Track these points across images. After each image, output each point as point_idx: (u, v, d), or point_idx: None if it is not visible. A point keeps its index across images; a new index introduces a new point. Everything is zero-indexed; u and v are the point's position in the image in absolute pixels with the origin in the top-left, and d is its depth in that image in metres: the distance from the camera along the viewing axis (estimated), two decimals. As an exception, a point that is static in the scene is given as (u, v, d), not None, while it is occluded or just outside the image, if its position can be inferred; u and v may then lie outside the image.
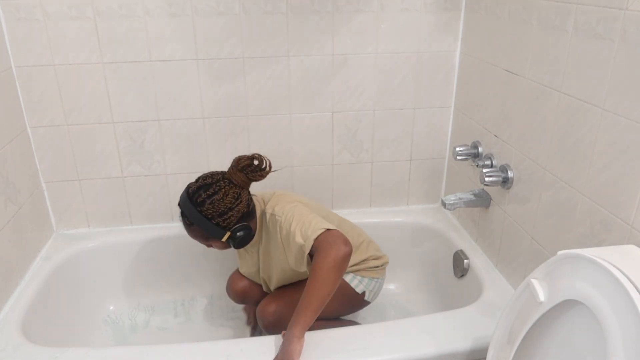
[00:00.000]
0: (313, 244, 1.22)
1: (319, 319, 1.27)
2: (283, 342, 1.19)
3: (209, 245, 1.42)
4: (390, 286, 1.98)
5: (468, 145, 1.69)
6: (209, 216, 1.32)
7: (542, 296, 0.96)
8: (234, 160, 1.40)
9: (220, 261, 1.83)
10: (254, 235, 1.40)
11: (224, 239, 1.36)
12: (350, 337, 1.30)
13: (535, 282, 0.98)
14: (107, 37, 1.59)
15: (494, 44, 1.53)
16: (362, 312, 1.88)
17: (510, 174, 1.47)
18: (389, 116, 1.84)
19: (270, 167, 1.41)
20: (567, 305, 0.93)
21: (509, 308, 1.07)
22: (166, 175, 1.80)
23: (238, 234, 1.35)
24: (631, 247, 0.97)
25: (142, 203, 1.83)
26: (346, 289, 1.53)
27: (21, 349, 1.27)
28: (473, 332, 1.29)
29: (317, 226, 1.24)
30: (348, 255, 1.19)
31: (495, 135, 1.56)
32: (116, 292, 1.83)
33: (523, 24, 1.36)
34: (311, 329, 1.22)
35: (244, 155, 1.39)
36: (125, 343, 1.70)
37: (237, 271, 1.65)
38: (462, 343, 1.27)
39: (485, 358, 1.14)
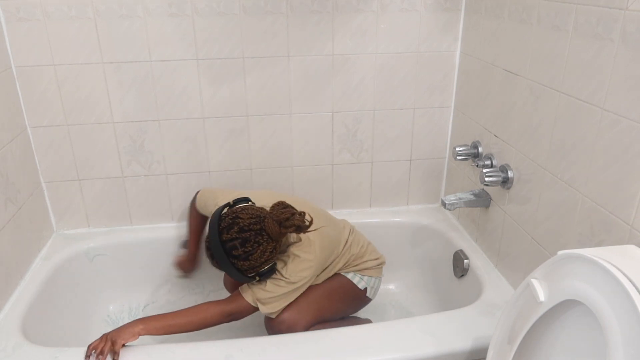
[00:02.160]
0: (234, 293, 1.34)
1: (330, 320, 1.28)
2: (123, 325, 1.26)
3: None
4: (390, 286, 1.98)
5: (468, 145, 1.69)
6: (241, 269, 1.27)
7: (542, 296, 0.96)
8: (278, 209, 1.29)
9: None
10: (275, 268, 1.35)
11: (252, 284, 1.34)
12: (350, 337, 1.30)
13: (535, 282, 0.98)
14: (107, 37, 1.59)
15: (494, 44, 1.53)
16: (362, 312, 1.88)
17: (510, 174, 1.47)
18: (389, 116, 1.84)
19: (308, 226, 1.30)
20: (567, 305, 0.93)
21: (509, 308, 1.07)
22: (166, 175, 1.80)
23: (263, 274, 1.31)
24: (631, 247, 0.96)
25: (142, 203, 1.83)
26: (349, 287, 1.54)
27: (21, 349, 1.27)
28: (473, 332, 1.29)
29: (259, 297, 1.33)
30: (218, 319, 1.33)
31: (495, 135, 1.56)
32: (116, 292, 1.82)
33: (523, 24, 1.36)
34: (324, 328, 1.32)
35: (292, 212, 1.28)
36: (125, 343, 1.70)
37: None
38: (462, 343, 1.27)
39: (485, 358, 1.14)
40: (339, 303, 1.54)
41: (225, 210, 1.31)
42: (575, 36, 1.15)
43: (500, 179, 1.49)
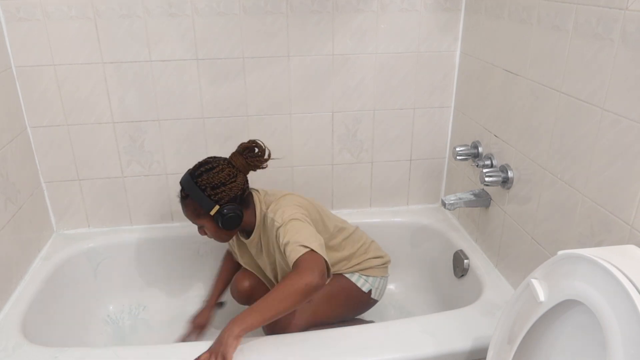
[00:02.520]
0: (295, 261, 1.22)
1: (329, 324, 1.34)
2: (221, 336, 1.16)
3: (201, 230, 1.43)
4: (390, 286, 1.98)
5: (468, 145, 1.69)
6: (202, 187, 1.35)
7: (542, 296, 0.96)
8: (238, 147, 1.45)
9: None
10: (240, 221, 1.38)
11: (212, 212, 1.36)
12: (350, 337, 1.30)
13: (535, 282, 0.98)
14: (107, 37, 1.59)
15: (494, 44, 1.53)
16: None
17: (510, 174, 1.47)
18: (389, 116, 1.84)
19: (269, 156, 1.46)
20: (567, 305, 0.93)
21: (509, 308, 1.07)
22: (166, 175, 1.80)
23: (226, 211, 1.36)
24: (631, 247, 0.96)
25: (142, 203, 1.83)
26: (353, 289, 1.54)
27: (21, 349, 1.27)
28: (473, 332, 1.29)
29: (303, 244, 1.24)
30: (319, 288, 1.19)
31: (495, 135, 1.56)
32: (116, 292, 1.82)
33: (523, 24, 1.36)
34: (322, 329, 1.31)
35: (248, 143, 1.45)
36: (125, 343, 1.70)
37: (243, 271, 1.63)
38: (462, 343, 1.27)
39: (485, 358, 1.14)
40: (339, 307, 1.53)
41: None
42: (575, 36, 1.15)
43: (500, 179, 1.49)
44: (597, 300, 0.83)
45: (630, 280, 0.80)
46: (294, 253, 1.23)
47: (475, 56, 1.66)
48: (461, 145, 1.68)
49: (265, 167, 1.45)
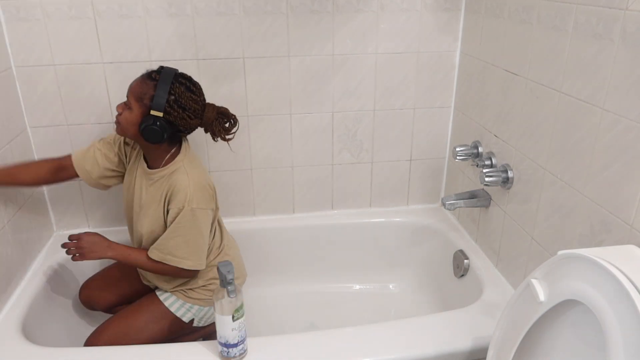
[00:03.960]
0: (159, 259, 1.38)
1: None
2: (97, 241, 1.39)
3: (123, 108, 1.34)
4: (390, 286, 1.98)
5: (468, 145, 1.69)
6: (173, 91, 1.30)
7: (542, 296, 0.96)
8: (220, 107, 1.41)
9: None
10: (155, 143, 1.33)
11: (153, 112, 1.29)
12: (350, 337, 1.30)
13: (535, 282, 0.98)
14: (107, 37, 1.59)
15: (494, 44, 1.53)
16: (362, 312, 1.88)
17: (510, 174, 1.47)
18: (389, 116, 1.84)
19: (231, 138, 1.44)
20: (567, 305, 0.93)
21: (509, 308, 1.07)
22: (166, 175, 1.80)
23: (159, 123, 1.30)
24: (631, 247, 0.96)
25: (142, 203, 1.83)
26: (170, 320, 1.46)
27: (21, 349, 1.27)
28: (473, 332, 1.29)
29: (187, 258, 1.38)
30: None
31: (495, 135, 1.56)
32: (116, 292, 1.82)
33: (523, 24, 1.36)
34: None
35: (228, 109, 1.43)
36: (125, 343, 1.70)
37: (91, 278, 1.62)
38: (462, 343, 1.27)
39: (485, 358, 1.14)
40: (151, 335, 1.44)
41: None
42: (575, 36, 1.15)
43: (500, 179, 1.49)
44: (597, 300, 0.83)
45: (630, 280, 0.80)
46: (163, 251, 1.37)
47: (475, 56, 1.66)
48: (461, 145, 1.68)
49: (215, 140, 1.42)
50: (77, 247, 1.37)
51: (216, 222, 1.50)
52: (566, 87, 1.20)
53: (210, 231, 1.44)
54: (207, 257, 1.44)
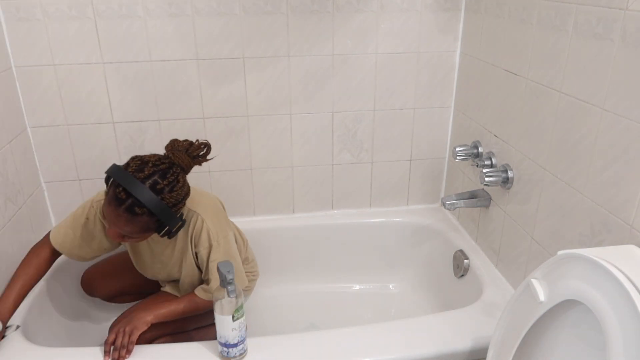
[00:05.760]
0: (209, 299, 1.34)
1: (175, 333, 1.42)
2: (132, 317, 1.28)
3: (124, 238, 1.25)
4: (390, 286, 1.98)
5: (468, 145, 1.69)
6: (170, 205, 1.20)
7: (542, 296, 0.96)
8: (179, 143, 1.29)
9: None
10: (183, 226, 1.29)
11: (175, 228, 1.25)
12: (350, 337, 1.30)
13: (535, 282, 0.98)
14: (107, 37, 1.59)
15: (494, 44, 1.53)
16: (362, 312, 1.88)
17: (510, 174, 1.47)
18: (389, 116, 1.84)
19: (209, 159, 1.34)
20: (567, 305, 0.93)
21: (509, 308, 1.07)
22: (166, 175, 1.80)
23: (179, 223, 1.25)
24: (631, 247, 0.96)
25: (142, 203, 1.83)
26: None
27: (21, 349, 1.27)
28: (473, 332, 1.29)
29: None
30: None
31: (495, 135, 1.56)
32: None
33: (523, 24, 1.36)
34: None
35: (193, 142, 1.31)
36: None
37: (94, 265, 1.62)
38: (462, 343, 1.27)
39: (485, 358, 1.14)
40: (190, 320, 1.46)
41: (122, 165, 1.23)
42: (575, 36, 1.15)
43: (500, 179, 1.49)
44: (597, 300, 0.83)
45: (630, 280, 0.80)
46: (212, 291, 1.31)
47: (475, 56, 1.66)
48: (461, 145, 1.68)
49: (201, 165, 1.34)
50: (121, 345, 1.21)
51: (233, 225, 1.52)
52: (566, 87, 1.20)
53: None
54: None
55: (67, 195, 1.77)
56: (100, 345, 1.26)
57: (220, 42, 1.64)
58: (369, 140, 1.87)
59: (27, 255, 1.41)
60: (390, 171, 1.94)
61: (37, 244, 1.43)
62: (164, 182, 1.19)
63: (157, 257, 1.43)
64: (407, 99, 1.83)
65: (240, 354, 1.20)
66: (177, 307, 1.36)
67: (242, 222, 1.73)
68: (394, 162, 1.92)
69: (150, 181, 1.18)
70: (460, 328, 1.32)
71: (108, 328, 1.75)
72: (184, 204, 1.27)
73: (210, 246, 1.33)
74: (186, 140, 1.31)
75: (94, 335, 1.69)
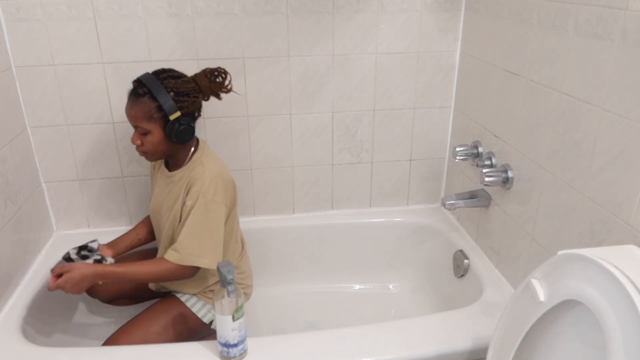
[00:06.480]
0: (176, 258, 1.31)
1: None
2: (74, 268, 1.27)
3: (140, 138, 1.33)
4: (390, 286, 1.98)
5: (468, 145, 1.69)
6: (168, 89, 1.30)
7: (542, 296, 0.96)
8: (204, 69, 1.40)
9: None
10: (192, 137, 1.35)
11: (172, 116, 1.29)
12: (350, 337, 1.30)
13: (535, 282, 0.98)
14: (107, 37, 1.59)
15: (494, 44, 1.53)
16: (362, 312, 1.88)
17: (510, 174, 1.47)
18: (389, 116, 1.84)
19: (231, 88, 1.43)
20: (567, 305, 0.93)
21: (509, 308, 1.07)
22: (166, 175, 1.80)
23: (183, 121, 1.30)
24: (631, 247, 0.96)
25: (142, 203, 1.83)
26: (191, 321, 1.45)
27: (21, 349, 1.27)
28: (473, 332, 1.29)
29: (194, 253, 1.32)
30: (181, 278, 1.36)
31: (495, 135, 1.56)
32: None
33: (523, 24, 1.36)
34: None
35: (213, 68, 1.41)
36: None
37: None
38: (462, 343, 1.27)
39: (485, 358, 1.14)
40: (171, 336, 1.42)
41: None
42: (575, 36, 1.15)
43: (500, 179, 1.49)
44: (597, 300, 0.83)
45: (630, 280, 0.80)
46: (181, 251, 1.31)
47: (475, 56, 1.66)
48: (461, 145, 1.68)
49: (221, 99, 1.43)
50: (59, 286, 1.27)
51: (236, 225, 1.52)
52: (566, 87, 1.20)
53: (225, 226, 1.42)
54: (229, 260, 1.46)
55: (67, 195, 1.77)
56: (100, 345, 1.26)
57: (220, 42, 1.64)
58: (369, 140, 1.87)
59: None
60: (390, 171, 1.94)
61: None
62: (170, 74, 1.33)
63: (163, 199, 1.43)
64: (407, 99, 1.83)
65: (240, 354, 1.20)
66: (129, 273, 1.32)
67: (242, 222, 1.73)
68: (394, 162, 1.92)
69: (159, 73, 1.32)
70: (460, 328, 1.32)
71: (108, 329, 1.76)
72: (187, 101, 1.32)
73: (197, 199, 1.32)
74: (218, 68, 1.41)
75: (93, 335, 1.69)
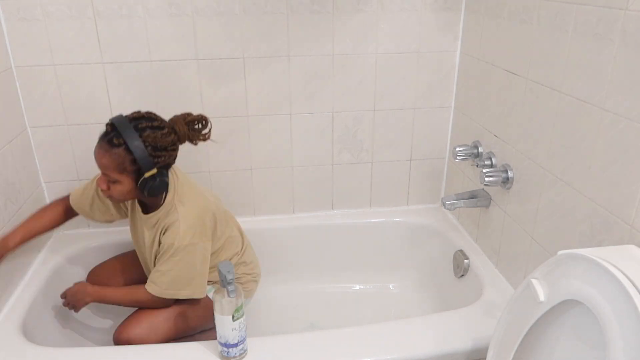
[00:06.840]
0: (157, 294, 1.37)
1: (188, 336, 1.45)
2: (79, 292, 1.42)
3: (108, 185, 1.28)
4: (390, 286, 1.98)
5: (468, 145, 1.69)
6: (147, 143, 1.23)
7: (542, 296, 0.96)
8: (181, 114, 1.35)
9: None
10: (165, 189, 1.31)
11: (148, 174, 1.24)
12: (350, 337, 1.30)
13: (535, 282, 0.98)
14: (107, 37, 1.59)
15: (494, 44, 1.53)
16: (362, 312, 1.88)
17: (510, 174, 1.47)
18: (389, 116, 1.84)
19: (209, 137, 1.39)
20: (567, 305, 0.93)
21: (509, 308, 1.07)
22: (166, 175, 1.80)
23: (158, 176, 1.26)
24: (631, 247, 0.97)
25: (142, 203, 1.83)
26: (207, 307, 1.45)
27: (21, 349, 1.27)
28: (473, 332, 1.29)
29: (170, 289, 1.37)
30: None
31: (495, 135, 1.56)
32: (116, 292, 1.82)
33: (523, 24, 1.36)
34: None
35: (192, 114, 1.36)
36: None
37: (99, 265, 1.65)
38: (462, 343, 1.27)
39: (485, 358, 1.14)
40: (196, 322, 1.46)
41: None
42: (575, 36, 1.15)
43: (500, 179, 1.49)
44: (597, 300, 0.83)
45: (630, 280, 0.80)
46: (160, 285, 1.36)
47: (475, 56, 1.66)
48: (461, 145, 1.68)
49: (196, 144, 1.37)
50: (67, 303, 1.45)
51: (231, 232, 1.52)
52: (566, 87, 1.20)
53: (220, 239, 1.45)
54: (231, 258, 1.51)
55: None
56: (100, 345, 1.26)
57: (220, 42, 1.64)
58: (369, 140, 1.87)
59: (45, 205, 1.54)
60: (390, 171, 1.94)
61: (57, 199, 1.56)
62: (148, 124, 1.25)
63: (141, 238, 1.42)
64: (407, 99, 1.83)
65: (240, 354, 1.20)
66: (119, 297, 1.42)
67: (242, 222, 1.73)
68: (394, 162, 1.92)
69: (136, 122, 1.25)
70: (460, 328, 1.32)
71: (107, 329, 1.76)
72: (164, 156, 1.27)
73: (173, 244, 1.32)
74: (198, 115, 1.37)
75: (93, 335, 1.69)
